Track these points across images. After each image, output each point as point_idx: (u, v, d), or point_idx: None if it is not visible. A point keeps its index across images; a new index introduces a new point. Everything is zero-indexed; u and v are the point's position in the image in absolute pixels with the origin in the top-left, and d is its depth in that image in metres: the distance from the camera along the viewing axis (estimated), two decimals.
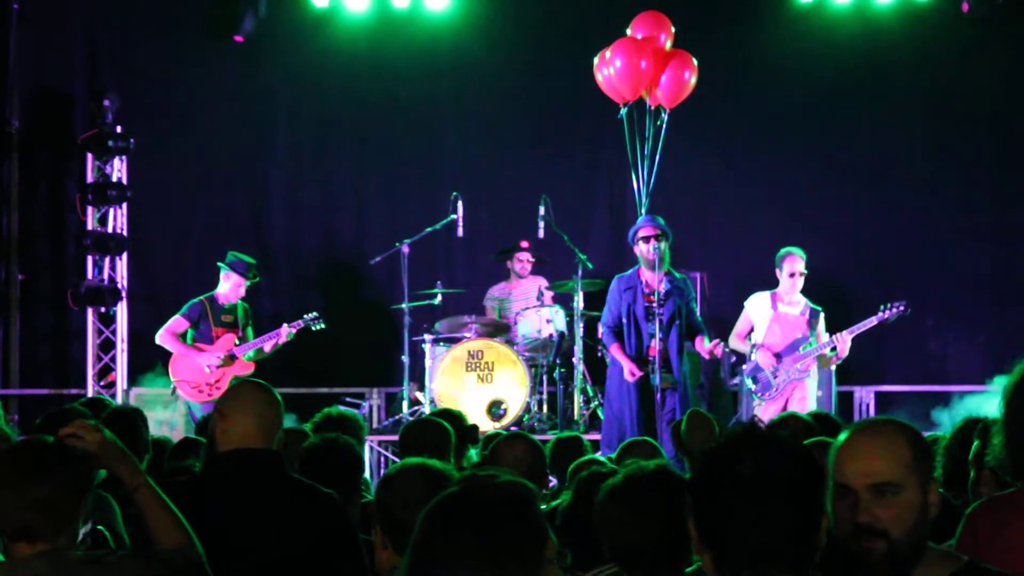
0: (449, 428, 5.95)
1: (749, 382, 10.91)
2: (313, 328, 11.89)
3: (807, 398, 10.74)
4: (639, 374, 10.32)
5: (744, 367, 11.10)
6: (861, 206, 14.17)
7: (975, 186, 14.22)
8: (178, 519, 3.71)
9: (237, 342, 11.72)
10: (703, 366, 12.19)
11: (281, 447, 4.34)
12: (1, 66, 14.22)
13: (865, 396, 13.28)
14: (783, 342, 10.81)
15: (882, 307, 10.75)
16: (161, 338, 11.76)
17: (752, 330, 11.04)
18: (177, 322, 11.74)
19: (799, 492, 2.63)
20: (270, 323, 12.25)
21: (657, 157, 11.65)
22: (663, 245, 10.42)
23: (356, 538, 4.35)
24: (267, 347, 11.73)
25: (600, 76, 11.60)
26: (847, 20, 14.05)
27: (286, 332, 11.69)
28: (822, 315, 10.95)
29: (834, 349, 10.78)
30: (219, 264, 11.87)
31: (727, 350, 11.13)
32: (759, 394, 10.83)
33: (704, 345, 10.37)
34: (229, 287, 11.78)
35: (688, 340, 10.60)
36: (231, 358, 11.63)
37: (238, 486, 4.03)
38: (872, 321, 10.74)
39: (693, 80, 11.70)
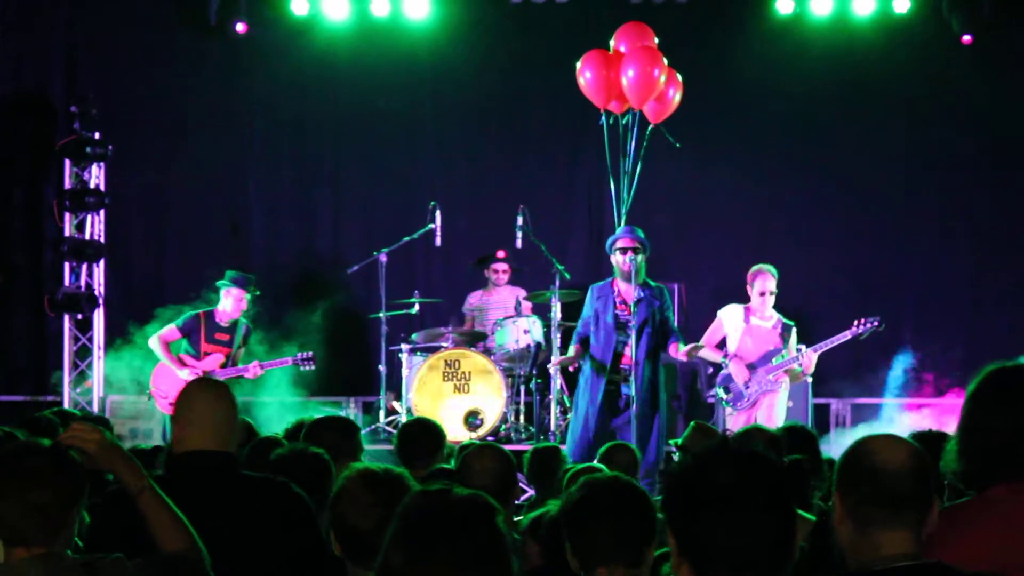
0: (442, 430, 6.13)
1: (721, 392, 10.91)
2: (302, 369, 11.92)
3: (775, 406, 10.72)
4: (556, 363, 10.70)
5: (717, 377, 11.10)
6: (839, 218, 14.23)
7: (954, 199, 14.28)
8: (181, 523, 3.74)
9: (223, 364, 11.70)
10: (680, 378, 12.22)
11: (243, 439, 4.42)
12: None
13: (842, 408, 13.31)
14: (756, 353, 10.79)
15: (856, 322, 10.74)
16: (152, 343, 11.79)
17: (723, 340, 11.02)
18: (170, 331, 11.75)
19: (777, 502, 2.68)
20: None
21: (638, 170, 11.67)
22: (639, 258, 10.41)
23: (315, 525, 4.40)
24: (248, 374, 11.75)
25: (587, 81, 11.56)
26: (826, 32, 14.10)
27: (253, 372, 11.70)
28: (794, 330, 10.93)
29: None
30: (218, 283, 11.84)
31: (696, 357, 11.06)
32: (731, 403, 10.82)
33: (680, 349, 10.44)
34: (231, 303, 11.75)
35: (662, 348, 10.62)
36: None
37: (196, 488, 4.02)
38: (845, 335, 10.70)
39: (677, 97, 11.76)
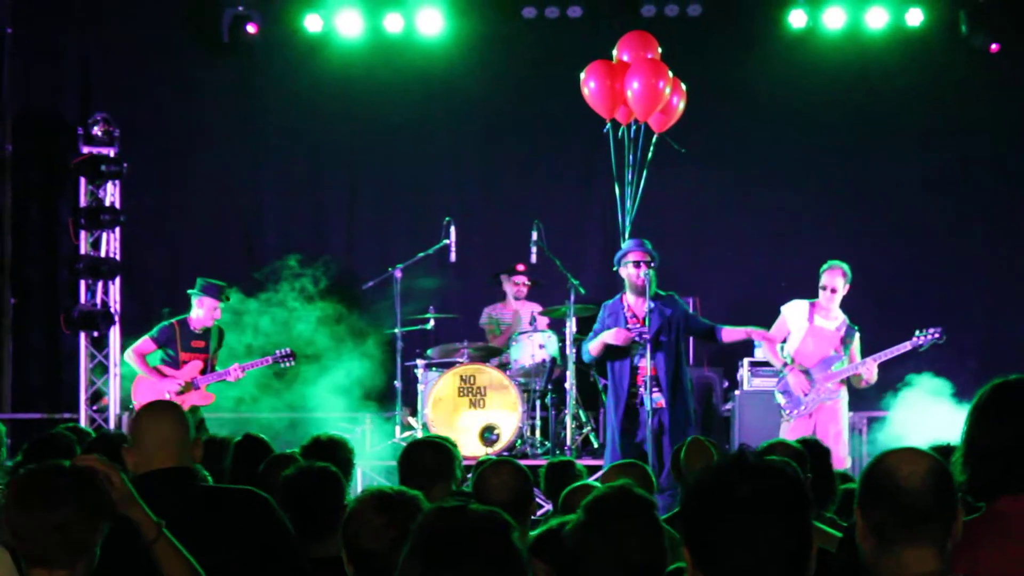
0: (452, 449, 5.93)
1: (779, 397, 10.76)
2: (282, 366, 11.88)
3: (840, 419, 10.60)
4: (631, 334, 10.31)
5: (777, 383, 10.92)
6: (853, 231, 14.17)
7: (968, 210, 14.26)
8: (192, 565, 3.80)
9: (203, 370, 11.67)
10: (696, 391, 12.19)
11: (201, 459, 4.54)
12: None
13: (858, 421, 13.26)
14: (815, 357, 10.63)
15: (917, 332, 10.52)
16: (128, 356, 11.76)
17: (786, 339, 10.86)
18: (144, 344, 11.69)
19: (793, 515, 2.67)
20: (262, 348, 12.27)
21: (642, 180, 11.66)
22: (651, 271, 10.35)
23: (283, 527, 4.47)
24: (230, 377, 11.72)
25: (591, 91, 11.54)
26: (839, 45, 14.10)
27: (235, 375, 11.68)
28: (857, 334, 10.77)
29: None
30: (189, 292, 11.83)
31: (758, 342, 10.83)
32: (787, 410, 10.68)
33: (738, 328, 10.41)
34: (204, 312, 11.70)
35: (711, 341, 10.55)
36: (190, 386, 11.59)
37: (163, 504, 4.02)
38: (905, 346, 10.46)
39: (681, 105, 11.74)
